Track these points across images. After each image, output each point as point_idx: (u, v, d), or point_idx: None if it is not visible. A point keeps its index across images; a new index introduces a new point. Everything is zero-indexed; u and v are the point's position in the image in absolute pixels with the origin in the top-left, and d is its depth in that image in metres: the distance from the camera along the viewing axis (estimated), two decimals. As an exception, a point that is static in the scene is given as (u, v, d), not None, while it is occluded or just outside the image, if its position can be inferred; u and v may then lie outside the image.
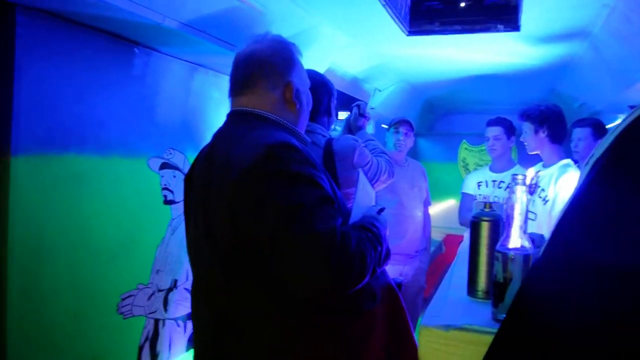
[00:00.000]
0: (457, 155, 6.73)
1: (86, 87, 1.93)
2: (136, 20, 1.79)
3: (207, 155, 1.43)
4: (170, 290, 2.42)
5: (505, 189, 3.50)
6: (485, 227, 1.18)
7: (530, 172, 3.03)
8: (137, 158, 2.24)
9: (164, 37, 2.04)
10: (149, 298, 2.30)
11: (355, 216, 1.41)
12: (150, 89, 2.23)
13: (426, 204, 3.70)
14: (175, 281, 2.47)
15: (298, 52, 1.54)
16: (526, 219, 1.05)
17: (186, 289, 2.50)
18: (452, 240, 5.79)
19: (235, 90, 1.48)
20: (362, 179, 1.55)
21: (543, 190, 2.83)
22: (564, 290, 0.58)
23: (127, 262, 2.17)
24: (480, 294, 1.24)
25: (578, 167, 3.36)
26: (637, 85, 2.83)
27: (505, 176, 3.53)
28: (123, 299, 2.15)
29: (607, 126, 3.65)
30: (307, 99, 1.54)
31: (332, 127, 2.27)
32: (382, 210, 1.52)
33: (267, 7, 2.14)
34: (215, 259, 1.32)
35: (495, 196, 3.53)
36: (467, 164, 6.71)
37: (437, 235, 5.97)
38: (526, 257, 1.00)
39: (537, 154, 3.00)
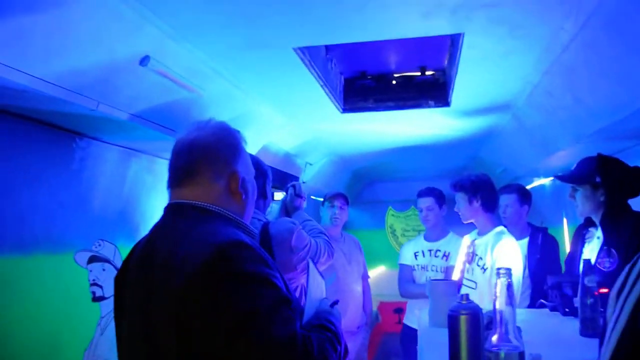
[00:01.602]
0: (385, 221, 6.82)
1: (7, 180, 1.75)
2: (71, 107, 1.66)
3: (144, 253, 1.28)
4: (102, 400, 2.16)
5: (442, 258, 3.53)
6: (464, 322, 1.12)
7: (466, 240, 3.07)
8: (63, 253, 2.04)
9: (97, 124, 1.91)
10: (78, 412, 2.03)
11: (308, 312, 1.31)
12: (79, 178, 2.07)
13: (364, 277, 3.64)
14: (107, 388, 2.21)
15: (243, 139, 1.46)
16: (514, 311, 1.00)
17: (120, 397, 2.24)
18: (386, 308, 5.75)
19: (176, 180, 1.34)
20: (312, 270, 1.46)
21: (481, 258, 2.86)
22: None
23: (52, 372, 1.92)
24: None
25: (510, 231, 3.48)
26: (557, 153, 2.99)
27: (441, 244, 3.57)
28: (48, 418, 1.88)
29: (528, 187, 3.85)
30: (252, 188, 1.45)
31: (268, 209, 2.18)
32: (335, 303, 1.44)
33: (206, 89, 2.07)
34: None
35: (433, 265, 3.55)
36: (395, 230, 6.81)
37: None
38: (521, 354, 0.95)
39: (471, 222, 3.06)
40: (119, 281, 1.35)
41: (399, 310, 3.76)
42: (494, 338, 1.00)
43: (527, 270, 3.26)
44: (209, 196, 1.31)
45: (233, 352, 1.06)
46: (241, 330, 1.05)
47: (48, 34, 1.38)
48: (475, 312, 1.14)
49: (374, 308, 5.90)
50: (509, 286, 1.01)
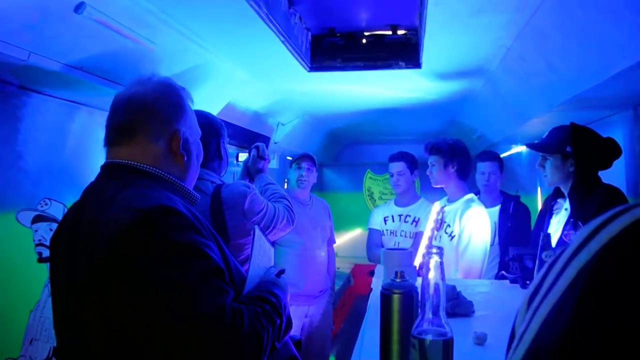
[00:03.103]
0: (363, 184, 6.77)
1: None
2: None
3: (74, 216, 1.19)
4: (48, 361, 2.10)
5: (412, 223, 3.49)
6: (396, 302, 1.04)
7: (436, 207, 3.01)
8: (4, 213, 1.94)
9: (32, 75, 1.77)
10: (21, 375, 1.97)
11: (251, 281, 1.24)
12: (16, 133, 1.94)
13: (330, 242, 3.59)
14: (55, 349, 2.14)
15: (189, 97, 1.35)
16: (444, 295, 0.93)
17: (67, 359, 2.18)
18: (360, 270, 5.77)
19: (112, 139, 1.24)
20: (258, 237, 1.37)
21: (449, 225, 2.81)
22: None
23: (-8, 335, 1.85)
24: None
25: (482, 198, 3.44)
26: (531, 121, 2.91)
27: (411, 210, 3.52)
28: (-14, 382, 1.82)
29: (502, 155, 3.80)
30: (197, 150, 1.35)
31: (224, 171, 2.08)
32: (281, 272, 1.36)
33: (157, 42, 1.94)
34: (81, 348, 1.09)
35: (402, 230, 3.50)
36: (372, 193, 6.77)
37: (345, 267, 5.94)
38: (446, 342, 0.88)
39: (441, 187, 2.99)
40: (52, 244, 1.26)
41: (373, 273, 3.74)
42: (422, 322, 0.92)
43: (497, 238, 3.24)
44: (147, 157, 1.21)
45: (155, 327, 0.99)
46: (162, 304, 0.99)
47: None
48: (409, 292, 1.06)
49: (348, 271, 5.93)
50: (441, 266, 0.93)
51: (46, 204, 2.13)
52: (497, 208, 3.36)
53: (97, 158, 2.28)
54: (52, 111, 2.09)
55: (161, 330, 0.99)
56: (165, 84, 1.30)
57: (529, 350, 0.45)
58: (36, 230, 2.09)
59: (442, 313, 0.91)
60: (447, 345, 0.89)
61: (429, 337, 0.89)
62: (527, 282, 2.10)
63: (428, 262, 0.92)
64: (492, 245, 3.17)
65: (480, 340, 1.33)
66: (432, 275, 0.91)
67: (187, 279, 1.01)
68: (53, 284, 1.20)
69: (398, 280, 1.07)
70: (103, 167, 1.24)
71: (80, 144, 2.27)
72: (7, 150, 1.90)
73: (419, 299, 0.98)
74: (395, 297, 1.05)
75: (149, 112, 1.23)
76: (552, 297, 0.46)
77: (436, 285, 0.90)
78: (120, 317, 1.02)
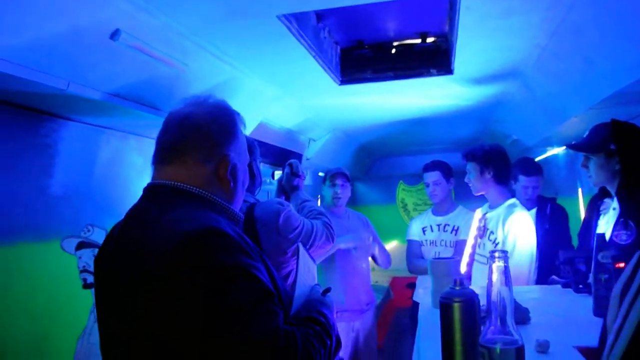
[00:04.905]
0: (396, 196, 6.71)
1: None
2: (40, 87, 1.57)
3: (117, 239, 1.18)
4: (97, 388, 2.11)
5: (452, 232, 3.42)
6: (458, 310, 1.00)
7: (478, 214, 2.95)
8: (49, 241, 1.97)
9: (72, 104, 1.81)
10: (71, 403, 1.98)
11: (297, 300, 1.21)
12: (58, 162, 1.98)
13: (381, 248, 3.47)
14: (103, 376, 2.15)
15: (242, 122, 1.33)
16: (511, 301, 0.88)
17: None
18: (398, 283, 5.67)
19: (160, 157, 1.23)
20: (303, 255, 1.35)
21: (492, 232, 2.74)
22: None
23: (43, 361, 1.87)
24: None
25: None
26: (569, 121, 2.83)
27: (449, 219, 3.46)
28: (38, 411, 1.83)
29: (537, 159, 3.70)
30: (244, 177, 1.33)
31: (257, 189, 2.06)
32: (327, 291, 1.33)
33: (188, 64, 1.95)
34: None
35: (442, 239, 3.44)
36: (406, 204, 6.70)
37: (383, 280, 5.85)
38: (518, 350, 0.84)
39: (481, 195, 2.93)
40: (96, 267, 1.25)
41: (412, 286, 3.67)
42: (489, 331, 0.88)
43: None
44: (193, 178, 1.20)
45: (206, 353, 0.96)
46: (214, 331, 0.95)
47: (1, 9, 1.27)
48: (470, 299, 1.02)
49: (386, 284, 5.84)
50: (506, 271, 0.89)
51: (89, 230, 2.16)
52: (532, 211, 3.27)
53: (133, 182, 2.33)
54: (88, 138, 2.13)
55: (215, 356, 0.96)
56: (221, 107, 1.29)
57: (629, 344, 0.43)
58: (80, 257, 2.11)
59: (509, 320, 0.86)
60: (519, 353, 0.85)
61: (498, 346, 0.85)
62: (580, 286, 2.02)
63: (491, 267, 0.88)
64: None
65: (543, 348, 1.27)
66: (497, 280, 0.87)
67: (240, 301, 0.98)
68: (99, 306, 1.19)
69: (457, 288, 1.03)
70: (146, 189, 1.23)
71: (116, 168, 2.30)
72: (48, 179, 1.94)
73: (483, 305, 0.94)
74: (457, 305, 1.01)
75: (202, 134, 1.21)
76: None
77: (502, 291, 0.86)
78: (169, 341, 0.99)
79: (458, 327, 1.00)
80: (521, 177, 3.35)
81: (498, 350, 0.84)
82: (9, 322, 1.72)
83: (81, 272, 2.12)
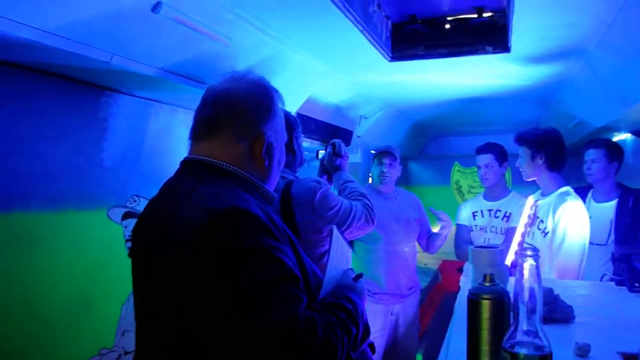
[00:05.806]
0: (450, 178, 6.53)
1: (33, 136, 1.74)
2: (84, 60, 1.59)
3: (152, 212, 1.19)
4: (138, 353, 2.18)
5: (503, 218, 3.28)
6: (486, 308, 0.94)
7: (530, 201, 2.82)
8: (96, 209, 2.02)
9: (118, 76, 1.83)
10: (114, 365, 2.06)
11: (327, 285, 1.18)
12: (105, 133, 2.02)
13: (422, 235, 3.40)
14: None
15: (280, 99, 1.30)
16: (541, 302, 0.81)
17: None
18: (448, 267, 5.56)
19: (197, 132, 1.23)
20: (336, 237, 1.31)
21: (542, 221, 2.60)
22: None
23: (88, 326, 1.95)
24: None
25: (590, 190, 3.14)
26: (637, 104, 2.63)
27: (501, 204, 3.31)
28: (83, 370, 1.91)
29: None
30: (280, 155, 1.30)
31: (298, 167, 2.03)
32: (359, 276, 1.29)
33: (233, 38, 1.93)
34: (156, 340, 1.09)
35: (493, 226, 3.31)
36: (461, 187, 6.51)
37: (432, 263, 5.75)
38: (544, 358, 0.77)
39: (533, 180, 2.79)
40: (133, 238, 1.28)
41: (462, 270, 3.57)
42: (515, 334, 0.82)
43: (612, 237, 2.94)
44: (227, 155, 1.19)
45: (222, 336, 0.96)
46: (232, 310, 0.95)
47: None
48: (500, 297, 0.95)
49: (435, 267, 5.74)
50: (537, 269, 0.82)
51: (135, 201, 2.21)
52: (612, 203, 3.00)
53: (180, 155, 2.35)
54: (136, 110, 2.16)
55: (229, 336, 0.95)
56: (259, 84, 1.26)
57: None
58: (126, 227, 2.17)
59: (538, 323, 0.80)
60: (548, 360, 0.78)
61: (523, 351, 0.79)
62: (636, 284, 1.88)
63: (522, 265, 0.81)
64: (605, 245, 2.92)
65: (583, 351, 1.18)
66: (526, 279, 0.80)
67: (259, 283, 0.96)
68: (134, 277, 1.21)
69: (487, 284, 0.96)
70: (182, 163, 1.24)
71: (164, 141, 2.33)
72: (96, 150, 1.99)
73: (512, 305, 0.87)
74: (485, 303, 0.94)
75: (237, 110, 1.20)
76: None
77: (531, 291, 0.79)
78: (191, 315, 1.00)
79: (485, 327, 0.94)
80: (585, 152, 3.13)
81: (522, 357, 0.78)
82: (52, 286, 1.79)
83: (127, 241, 2.18)
